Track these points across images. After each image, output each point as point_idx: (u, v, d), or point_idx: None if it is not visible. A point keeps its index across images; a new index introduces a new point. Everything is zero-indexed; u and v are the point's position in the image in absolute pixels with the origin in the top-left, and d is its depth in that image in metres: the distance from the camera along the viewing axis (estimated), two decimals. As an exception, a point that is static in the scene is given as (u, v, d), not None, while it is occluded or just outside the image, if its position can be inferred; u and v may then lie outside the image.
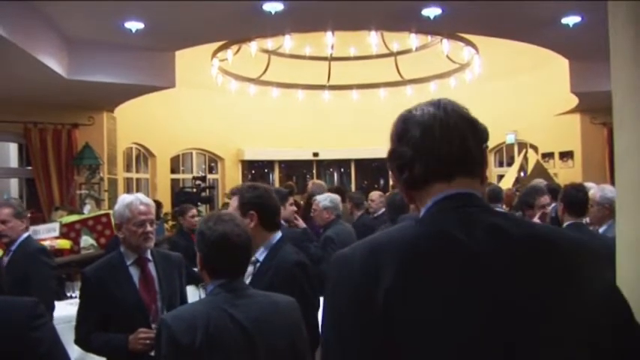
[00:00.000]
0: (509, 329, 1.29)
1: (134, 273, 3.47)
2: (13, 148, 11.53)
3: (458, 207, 1.43)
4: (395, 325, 1.30)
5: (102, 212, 7.82)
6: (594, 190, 4.97)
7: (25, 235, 4.43)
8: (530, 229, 1.43)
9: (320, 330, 2.96)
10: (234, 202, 3.15)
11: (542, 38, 8.72)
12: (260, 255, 3.09)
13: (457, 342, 1.29)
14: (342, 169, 16.01)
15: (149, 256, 3.54)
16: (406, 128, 1.62)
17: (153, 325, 3.18)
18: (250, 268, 3.11)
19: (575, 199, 4.45)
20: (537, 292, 1.33)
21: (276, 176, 14.97)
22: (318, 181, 8.84)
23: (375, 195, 8.16)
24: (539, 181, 7.73)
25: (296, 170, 15.64)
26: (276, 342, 2.32)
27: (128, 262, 3.47)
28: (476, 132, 1.58)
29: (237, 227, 2.41)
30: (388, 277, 1.32)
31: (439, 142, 1.50)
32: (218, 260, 2.39)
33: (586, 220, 5.10)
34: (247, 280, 3.09)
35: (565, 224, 4.40)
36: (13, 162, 11.59)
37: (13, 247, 4.31)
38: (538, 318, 1.31)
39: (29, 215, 5.40)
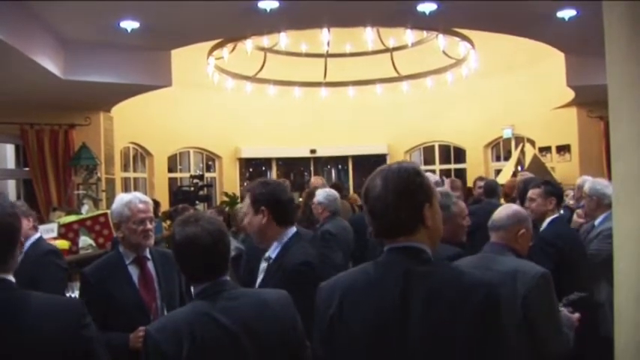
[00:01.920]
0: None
1: (133, 272, 3.47)
2: (10, 150, 11.51)
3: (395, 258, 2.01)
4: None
5: (100, 212, 7.79)
6: (588, 183, 5.08)
7: (37, 236, 4.41)
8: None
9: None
10: (246, 200, 3.14)
11: (538, 32, 8.72)
12: (273, 252, 3.07)
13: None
14: (340, 166, 16.02)
15: (148, 255, 3.55)
16: (365, 200, 2.08)
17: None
18: (264, 265, 3.11)
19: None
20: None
21: (273, 174, 14.97)
22: (319, 178, 8.82)
23: None
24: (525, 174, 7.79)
25: (293, 168, 15.65)
26: (267, 341, 2.28)
27: (127, 261, 3.48)
28: (410, 200, 1.99)
29: (202, 229, 2.33)
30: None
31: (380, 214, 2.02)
32: (189, 264, 2.36)
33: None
34: (260, 277, 3.08)
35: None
36: (10, 163, 11.56)
37: (24, 249, 4.29)
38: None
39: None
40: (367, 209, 2.04)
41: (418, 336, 1.89)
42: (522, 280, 3.08)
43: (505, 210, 3.49)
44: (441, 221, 2.07)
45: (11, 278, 2.08)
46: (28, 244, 4.25)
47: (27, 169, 10.42)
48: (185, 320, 2.22)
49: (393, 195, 1.97)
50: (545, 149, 12.35)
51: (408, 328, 1.90)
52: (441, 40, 9.70)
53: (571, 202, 6.62)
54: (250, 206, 3.10)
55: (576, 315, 3.30)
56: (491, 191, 7.50)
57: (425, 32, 9.88)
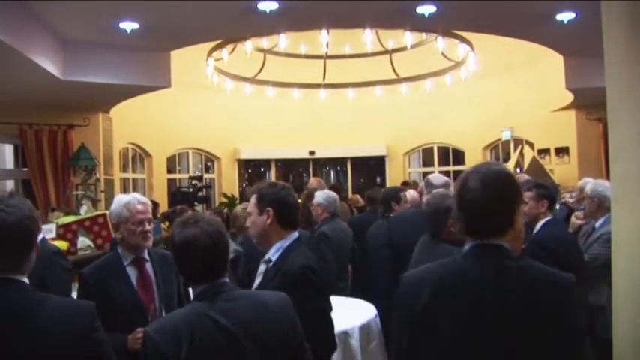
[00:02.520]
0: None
1: (132, 273, 3.48)
2: (8, 150, 11.50)
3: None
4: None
5: (98, 213, 7.80)
6: (590, 184, 5.08)
7: (39, 237, 4.41)
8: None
9: (330, 336, 2.96)
10: (252, 201, 3.13)
11: (537, 35, 8.74)
12: (273, 255, 3.06)
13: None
14: (339, 168, 16.02)
15: (146, 256, 3.55)
16: (458, 200, 2.17)
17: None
18: (262, 267, 3.10)
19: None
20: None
21: (272, 175, 14.97)
22: (318, 179, 8.81)
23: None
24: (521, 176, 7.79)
25: (292, 169, 15.64)
26: (267, 343, 2.28)
27: (125, 262, 3.48)
28: (506, 204, 2.10)
29: (201, 230, 2.33)
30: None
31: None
32: (188, 266, 2.37)
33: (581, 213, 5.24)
34: (258, 279, 3.08)
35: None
36: (9, 164, 11.56)
37: None
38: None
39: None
40: (460, 209, 2.13)
41: (513, 325, 1.97)
42: None
43: None
44: (522, 222, 2.18)
45: (26, 280, 2.09)
46: None
47: (26, 169, 10.42)
48: (184, 321, 2.22)
49: (491, 199, 2.07)
50: (544, 151, 12.35)
51: (502, 319, 1.98)
52: (440, 42, 9.71)
53: (570, 200, 6.62)
54: (255, 206, 3.09)
55: None
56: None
57: (424, 34, 9.89)
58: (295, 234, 3.13)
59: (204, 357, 2.17)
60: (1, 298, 2.00)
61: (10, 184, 11.29)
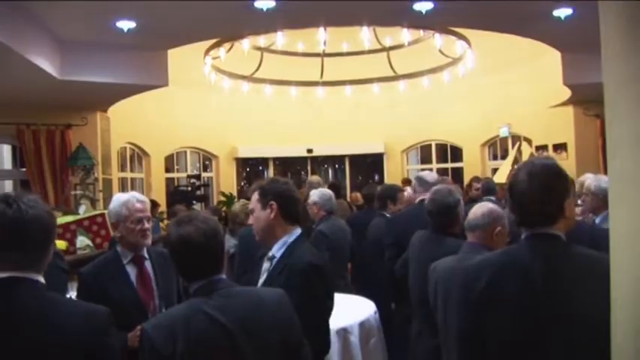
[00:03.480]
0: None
1: (131, 271, 3.48)
2: (6, 150, 11.51)
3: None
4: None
5: (97, 212, 7.80)
6: (590, 180, 5.00)
7: None
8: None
9: (328, 335, 2.96)
10: (254, 197, 3.12)
11: (534, 31, 8.74)
12: (277, 251, 3.05)
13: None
14: (337, 165, 16.03)
15: (145, 255, 3.56)
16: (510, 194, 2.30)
17: None
18: (267, 264, 3.09)
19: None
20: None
21: (270, 173, 14.97)
22: (317, 178, 8.78)
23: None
24: None
25: (290, 167, 15.66)
26: (265, 340, 2.28)
27: (125, 261, 3.49)
28: (554, 195, 2.22)
29: (200, 225, 2.35)
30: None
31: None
32: (183, 263, 2.38)
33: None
34: (262, 277, 3.07)
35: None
36: (7, 164, 11.56)
37: None
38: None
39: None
40: (513, 202, 2.28)
41: (566, 313, 2.07)
42: None
43: (480, 209, 3.53)
44: (574, 211, 2.35)
45: (42, 279, 2.06)
46: None
47: (24, 169, 10.41)
48: (180, 318, 2.23)
49: (538, 189, 2.20)
50: (542, 148, 12.36)
51: (555, 305, 2.09)
52: (438, 39, 9.70)
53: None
54: (258, 201, 3.08)
55: None
56: (489, 190, 7.57)
57: (421, 31, 9.88)
58: (299, 230, 3.12)
59: (200, 353, 2.17)
60: (18, 297, 1.98)
61: (8, 185, 11.28)
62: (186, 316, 2.23)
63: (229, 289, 2.36)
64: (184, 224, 2.37)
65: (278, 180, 3.20)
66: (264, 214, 3.06)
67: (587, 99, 10.85)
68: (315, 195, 6.25)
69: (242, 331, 2.24)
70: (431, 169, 13.56)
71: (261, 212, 3.07)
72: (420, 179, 5.62)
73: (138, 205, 3.49)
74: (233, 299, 2.32)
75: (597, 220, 4.86)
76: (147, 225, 3.50)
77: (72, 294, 4.84)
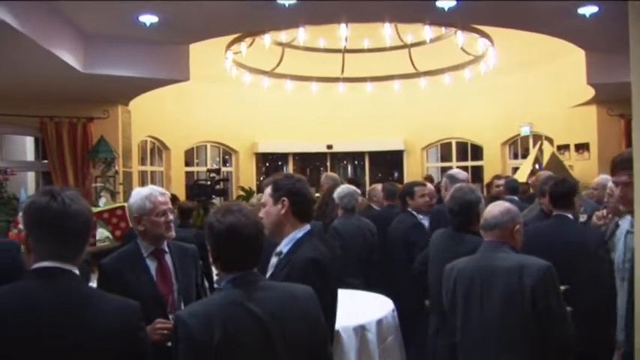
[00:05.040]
0: None
1: (151, 264, 3.49)
2: (29, 142, 11.62)
3: None
4: None
5: (117, 205, 7.84)
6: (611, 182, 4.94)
7: None
8: None
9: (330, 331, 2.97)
10: (267, 191, 3.13)
11: (559, 29, 8.64)
12: (285, 247, 3.05)
13: None
14: (356, 162, 16.01)
15: (165, 248, 3.57)
16: None
17: (170, 316, 3.21)
18: (274, 260, 3.09)
19: (557, 193, 4.58)
20: None
21: (290, 169, 14.99)
22: (331, 174, 8.77)
23: (378, 187, 8.08)
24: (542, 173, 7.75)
25: (310, 163, 15.66)
26: (295, 334, 2.30)
27: (145, 254, 3.50)
28: None
29: (245, 218, 2.35)
30: None
31: None
32: (228, 253, 2.36)
33: (603, 211, 5.11)
34: (269, 272, 3.07)
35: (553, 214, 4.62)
36: (30, 155, 11.68)
37: None
38: None
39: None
40: None
41: None
42: (528, 274, 3.23)
43: (497, 208, 3.53)
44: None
45: (77, 272, 2.09)
46: None
47: (46, 161, 10.51)
48: (218, 307, 2.24)
49: None
50: (564, 147, 12.25)
51: None
52: (460, 37, 9.64)
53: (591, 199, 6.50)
54: (270, 196, 3.09)
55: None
56: (512, 190, 7.54)
57: (443, 28, 9.83)
58: (308, 226, 3.11)
59: (235, 344, 2.18)
60: (58, 289, 2.00)
61: (30, 176, 11.41)
62: (224, 306, 2.24)
63: (264, 282, 2.38)
64: (233, 213, 2.36)
65: (292, 176, 3.20)
66: (274, 210, 3.07)
67: (610, 98, 10.73)
68: (335, 193, 6.23)
69: (276, 324, 2.25)
70: (451, 168, 13.51)
71: (272, 207, 3.08)
72: (451, 177, 5.59)
73: (160, 198, 3.51)
74: (268, 293, 2.33)
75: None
76: (171, 217, 3.52)
77: (92, 285, 4.88)
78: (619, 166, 3.13)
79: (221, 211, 2.41)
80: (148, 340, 2.19)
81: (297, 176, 3.22)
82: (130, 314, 2.09)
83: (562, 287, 3.40)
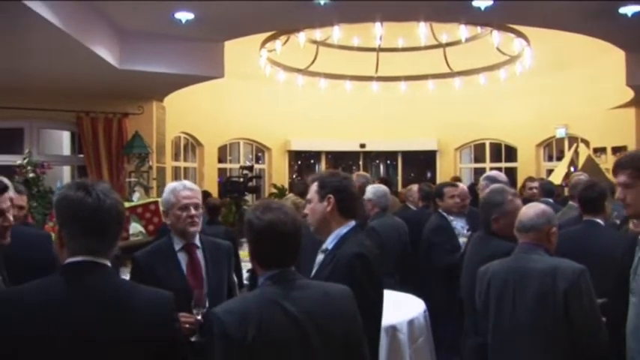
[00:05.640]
0: None
1: (182, 259, 3.51)
2: (66, 137, 11.81)
3: None
4: None
5: (150, 200, 7.92)
6: None
7: None
8: None
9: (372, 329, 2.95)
10: (313, 187, 3.13)
11: (598, 29, 8.49)
12: (330, 243, 3.05)
13: None
14: (389, 161, 15.95)
15: (198, 243, 3.58)
16: None
17: (194, 311, 3.23)
18: (320, 257, 3.09)
19: (586, 198, 4.50)
20: None
21: (322, 167, 14.97)
22: (362, 173, 8.75)
23: (414, 188, 8.05)
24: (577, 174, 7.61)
25: (342, 161, 15.63)
26: (331, 334, 2.28)
27: (177, 248, 3.52)
28: None
29: (285, 215, 2.34)
30: None
31: None
32: (267, 250, 2.34)
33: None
34: (315, 269, 3.06)
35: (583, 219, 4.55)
36: (66, 150, 11.86)
37: None
38: None
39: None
40: None
41: None
42: (562, 277, 3.17)
43: (532, 210, 3.48)
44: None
45: (109, 265, 2.10)
46: None
47: (81, 156, 10.65)
48: (253, 305, 2.24)
49: None
50: (600, 150, 12.03)
51: None
52: (496, 37, 9.53)
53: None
54: (316, 193, 3.09)
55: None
56: (548, 192, 7.47)
57: (479, 28, 9.73)
58: (353, 222, 3.11)
59: (270, 342, 2.17)
60: (93, 281, 2.01)
61: (66, 170, 11.58)
62: (259, 304, 2.23)
63: (301, 281, 2.36)
64: (273, 210, 2.35)
65: (338, 174, 3.20)
66: (320, 207, 3.08)
67: (651, 101, 10.53)
68: (369, 192, 6.20)
69: (311, 323, 2.24)
70: (484, 169, 13.39)
71: (318, 204, 3.09)
72: (490, 178, 5.52)
73: (184, 193, 3.52)
74: (304, 291, 2.31)
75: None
76: (193, 212, 3.50)
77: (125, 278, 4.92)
78: (619, 166, 3.02)
79: (260, 208, 2.39)
80: (182, 331, 2.19)
81: (342, 174, 3.23)
82: (165, 305, 2.09)
83: (599, 300, 3.33)
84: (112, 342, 1.96)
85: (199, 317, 3.23)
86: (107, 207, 2.04)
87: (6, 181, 2.85)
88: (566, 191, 8.44)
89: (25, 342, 1.90)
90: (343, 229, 3.06)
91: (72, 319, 1.94)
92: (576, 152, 11.28)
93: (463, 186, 6.81)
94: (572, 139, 12.42)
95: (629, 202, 2.91)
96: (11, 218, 2.78)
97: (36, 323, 1.92)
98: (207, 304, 3.27)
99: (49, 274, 2.06)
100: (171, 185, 3.63)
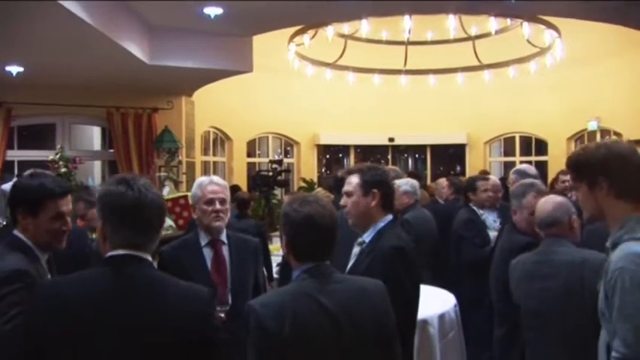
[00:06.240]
0: None
1: (207, 254, 3.53)
2: (96, 132, 11.95)
3: None
4: None
5: (180, 194, 7.99)
6: None
7: None
8: None
9: (407, 324, 2.92)
10: (354, 180, 3.11)
11: (633, 19, 8.33)
12: (367, 236, 3.06)
13: None
14: (417, 155, 15.87)
15: (224, 239, 3.59)
16: None
17: (217, 308, 3.22)
18: (357, 249, 3.10)
19: None
20: None
21: (351, 161, 14.95)
22: (393, 167, 8.73)
23: (443, 182, 8.01)
24: None
25: (371, 155, 15.58)
26: (364, 328, 2.28)
27: (202, 244, 3.54)
28: None
29: (322, 209, 2.33)
30: None
31: None
32: (303, 243, 2.34)
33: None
34: (352, 261, 3.07)
35: None
36: (97, 145, 12.01)
37: None
38: None
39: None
40: None
41: None
42: (591, 268, 3.07)
43: (549, 204, 3.43)
44: None
45: (150, 259, 2.13)
46: None
47: (112, 150, 10.78)
48: (289, 298, 2.25)
49: None
50: (634, 143, 11.83)
51: None
52: (526, 28, 9.41)
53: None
54: (359, 187, 3.07)
55: None
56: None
57: (509, 20, 9.63)
58: (390, 216, 3.11)
59: (304, 336, 2.18)
60: (134, 275, 2.04)
61: (97, 165, 11.72)
62: (295, 297, 2.24)
63: (336, 275, 2.36)
64: (307, 204, 2.35)
65: (379, 167, 3.20)
66: (364, 201, 3.06)
67: (687, 92, 10.32)
68: (405, 184, 6.18)
69: (346, 317, 2.24)
70: (514, 163, 13.25)
71: (362, 198, 3.07)
72: (520, 172, 5.46)
73: (211, 187, 3.53)
74: (339, 285, 2.32)
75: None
76: (219, 207, 3.50)
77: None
78: (567, 168, 2.72)
79: (297, 200, 2.39)
80: (219, 327, 2.20)
81: (381, 167, 3.23)
82: (203, 300, 2.10)
83: None
84: (148, 335, 1.98)
85: (222, 315, 3.22)
86: (149, 201, 2.07)
87: (64, 183, 2.87)
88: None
89: (67, 329, 1.94)
90: (381, 223, 3.06)
91: (115, 309, 1.97)
92: (609, 145, 11.10)
93: (495, 179, 6.74)
94: (605, 132, 12.23)
95: (581, 205, 2.72)
96: (70, 223, 2.76)
97: (81, 312, 1.96)
98: (230, 302, 3.27)
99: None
100: (199, 180, 3.66)
